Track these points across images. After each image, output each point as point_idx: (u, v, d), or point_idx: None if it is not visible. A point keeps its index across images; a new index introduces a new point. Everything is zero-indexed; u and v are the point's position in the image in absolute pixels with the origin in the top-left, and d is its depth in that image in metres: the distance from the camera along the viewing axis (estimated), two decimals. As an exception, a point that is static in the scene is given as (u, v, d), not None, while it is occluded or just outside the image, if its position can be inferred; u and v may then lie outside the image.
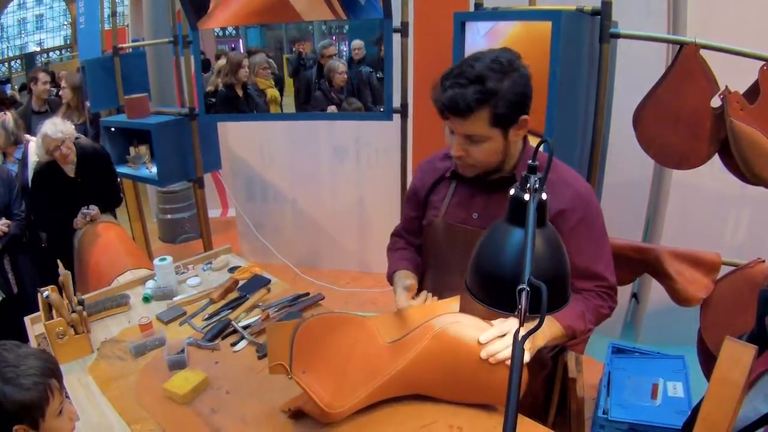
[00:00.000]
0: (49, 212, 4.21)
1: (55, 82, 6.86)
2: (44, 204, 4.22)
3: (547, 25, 2.63)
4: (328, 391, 1.80)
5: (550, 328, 1.92)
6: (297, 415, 1.87)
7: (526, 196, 1.22)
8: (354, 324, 1.94)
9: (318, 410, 1.78)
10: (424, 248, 2.32)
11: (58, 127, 4.10)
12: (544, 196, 1.23)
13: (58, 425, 1.66)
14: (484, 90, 1.74)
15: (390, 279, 2.28)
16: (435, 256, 2.24)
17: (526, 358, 1.78)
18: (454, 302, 1.95)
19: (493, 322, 1.84)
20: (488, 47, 1.96)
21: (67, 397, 2.04)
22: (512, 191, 1.27)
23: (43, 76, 6.11)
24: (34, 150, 4.44)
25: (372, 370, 1.86)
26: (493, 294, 1.28)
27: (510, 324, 1.82)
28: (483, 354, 1.77)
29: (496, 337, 1.79)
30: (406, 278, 2.11)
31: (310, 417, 1.85)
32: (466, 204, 2.10)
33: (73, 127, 4.32)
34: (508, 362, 1.74)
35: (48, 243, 4.46)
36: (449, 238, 2.13)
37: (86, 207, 4.16)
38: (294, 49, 3.99)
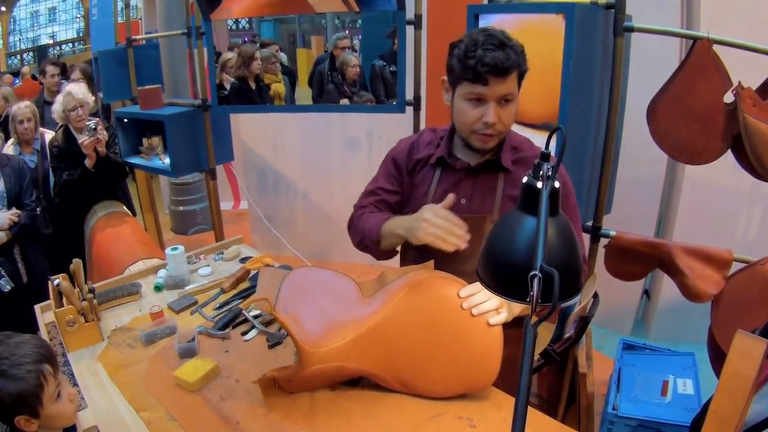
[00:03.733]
0: (68, 179, 4.31)
1: (65, 74, 6.91)
2: (66, 167, 4.33)
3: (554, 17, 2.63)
4: (307, 331, 1.83)
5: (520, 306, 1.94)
6: (268, 384, 1.91)
7: (539, 184, 1.22)
8: (339, 278, 2.00)
9: (291, 371, 1.84)
10: None
11: (82, 90, 4.38)
12: (557, 184, 1.22)
13: (57, 409, 1.66)
14: (514, 51, 1.87)
15: (376, 234, 2.15)
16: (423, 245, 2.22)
17: (503, 318, 1.85)
18: (427, 266, 1.99)
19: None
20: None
21: (76, 383, 2.06)
22: (525, 179, 1.27)
23: (51, 69, 6.21)
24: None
25: (351, 317, 1.89)
26: (504, 282, 1.27)
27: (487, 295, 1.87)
28: (465, 305, 1.82)
29: (474, 292, 1.85)
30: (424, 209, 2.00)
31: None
32: (452, 190, 2.08)
33: (93, 99, 4.52)
34: (490, 318, 1.83)
35: (60, 229, 4.49)
36: None
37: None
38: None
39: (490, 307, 1.82)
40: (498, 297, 1.82)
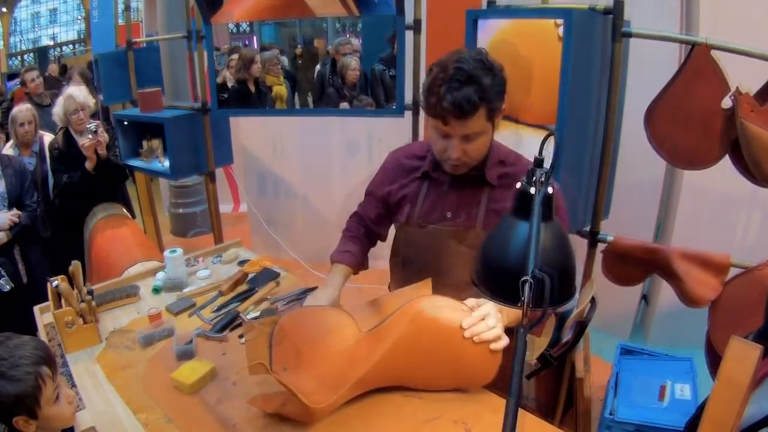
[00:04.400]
0: (68, 182, 4.30)
1: (65, 74, 6.93)
2: (66, 169, 4.33)
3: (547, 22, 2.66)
4: (311, 387, 1.79)
5: (512, 312, 1.94)
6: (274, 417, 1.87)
7: (532, 190, 1.23)
8: (331, 317, 1.94)
9: (300, 408, 1.76)
10: (395, 248, 2.33)
11: (83, 92, 4.38)
12: (550, 189, 1.23)
13: (55, 411, 1.67)
14: (482, 88, 1.81)
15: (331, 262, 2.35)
16: (409, 256, 2.26)
17: (504, 343, 1.84)
18: (425, 287, 1.98)
19: (467, 302, 1.88)
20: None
21: (74, 385, 2.06)
22: (518, 185, 1.28)
23: (29, 75, 6.25)
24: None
25: (352, 361, 1.87)
26: (498, 286, 1.28)
27: (489, 307, 1.86)
28: (467, 334, 1.81)
29: (478, 321, 1.83)
30: (335, 289, 2.21)
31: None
32: (438, 203, 2.13)
33: (94, 102, 4.55)
34: (491, 344, 1.82)
35: (59, 231, 4.49)
36: (424, 238, 2.16)
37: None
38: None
39: (492, 336, 1.82)
40: (495, 317, 1.84)
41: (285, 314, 1.83)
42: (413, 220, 2.17)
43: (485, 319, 1.83)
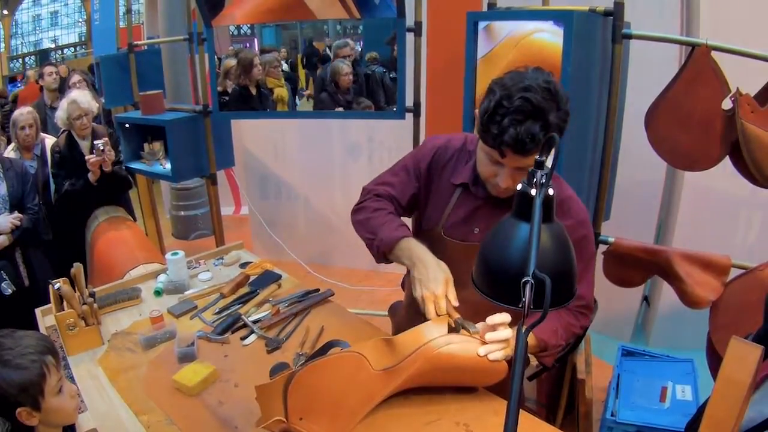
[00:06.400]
0: (70, 189, 4.30)
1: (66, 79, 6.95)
2: (67, 176, 4.33)
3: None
4: (327, 427, 1.78)
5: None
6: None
7: (533, 191, 1.23)
8: (343, 362, 1.86)
9: None
10: None
11: (87, 98, 4.37)
12: (551, 191, 1.23)
13: (59, 403, 1.68)
14: (547, 124, 1.66)
15: (389, 245, 2.03)
16: None
17: (504, 354, 1.81)
18: (442, 322, 1.90)
19: (478, 325, 1.85)
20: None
21: (73, 381, 2.06)
22: (519, 186, 1.27)
23: (47, 69, 6.22)
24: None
25: (366, 396, 1.86)
26: (497, 288, 1.28)
27: (507, 334, 1.83)
28: (481, 351, 1.79)
29: (493, 350, 1.81)
30: (444, 270, 1.92)
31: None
32: (468, 217, 2.07)
33: (98, 106, 4.53)
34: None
35: (61, 234, 4.48)
36: (447, 249, 2.08)
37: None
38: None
39: (505, 355, 1.81)
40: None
41: (299, 369, 1.79)
42: (437, 229, 2.10)
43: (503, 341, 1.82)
